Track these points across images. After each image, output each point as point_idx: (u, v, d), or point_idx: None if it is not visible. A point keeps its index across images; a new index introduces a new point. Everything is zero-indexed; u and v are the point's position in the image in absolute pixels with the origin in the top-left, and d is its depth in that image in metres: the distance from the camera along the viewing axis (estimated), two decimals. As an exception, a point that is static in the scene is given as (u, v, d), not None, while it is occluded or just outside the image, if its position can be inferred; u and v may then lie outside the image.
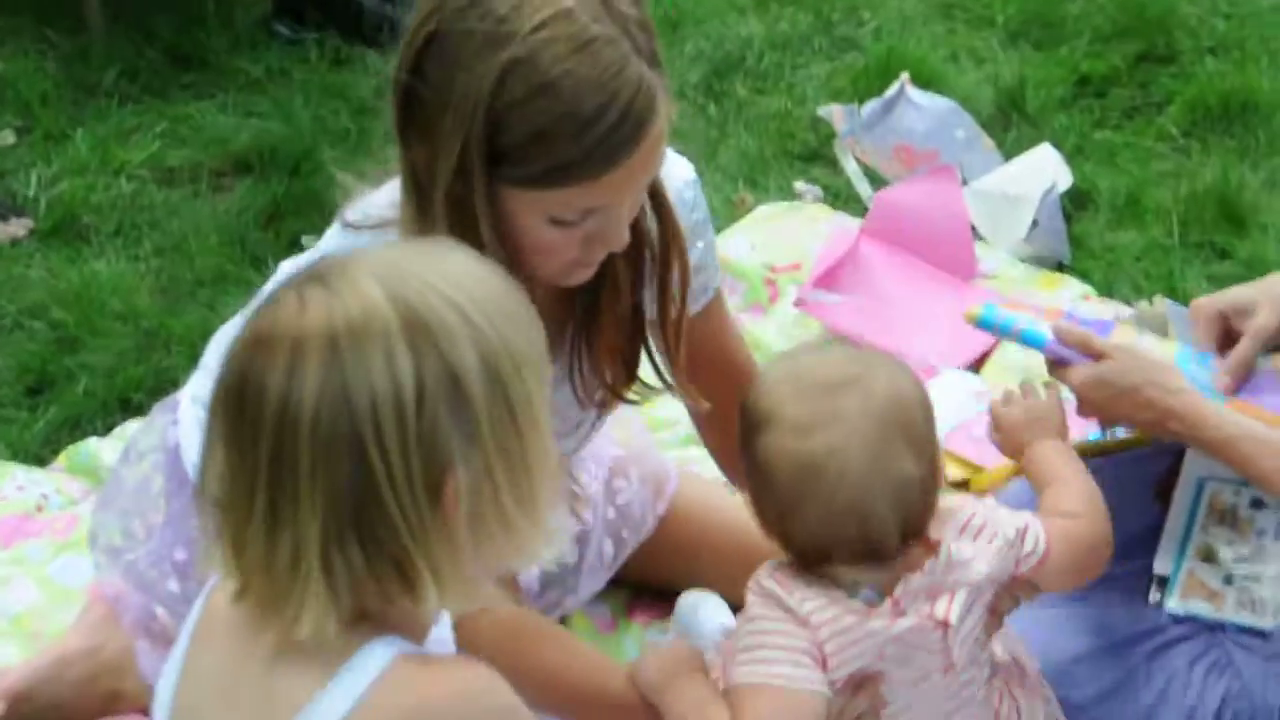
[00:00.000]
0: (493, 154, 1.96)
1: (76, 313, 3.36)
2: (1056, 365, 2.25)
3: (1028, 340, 2.26)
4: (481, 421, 1.48)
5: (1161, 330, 2.38)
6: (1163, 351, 2.26)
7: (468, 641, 1.74)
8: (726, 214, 3.67)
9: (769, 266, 3.44)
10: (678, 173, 2.24)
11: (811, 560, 1.98)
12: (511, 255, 2.00)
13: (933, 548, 1.98)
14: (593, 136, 1.95)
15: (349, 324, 1.45)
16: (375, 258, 1.52)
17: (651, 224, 2.18)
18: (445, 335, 1.47)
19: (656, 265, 2.20)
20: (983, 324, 2.29)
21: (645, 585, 2.64)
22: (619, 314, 2.22)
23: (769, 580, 1.98)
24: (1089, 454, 2.24)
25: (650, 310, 2.24)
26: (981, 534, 2.01)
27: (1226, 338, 2.30)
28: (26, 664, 2.43)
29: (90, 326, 3.34)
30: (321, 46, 4.24)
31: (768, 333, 3.26)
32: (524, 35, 1.92)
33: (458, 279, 1.51)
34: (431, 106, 1.97)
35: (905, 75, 3.68)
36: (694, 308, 2.28)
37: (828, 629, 1.95)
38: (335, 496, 1.46)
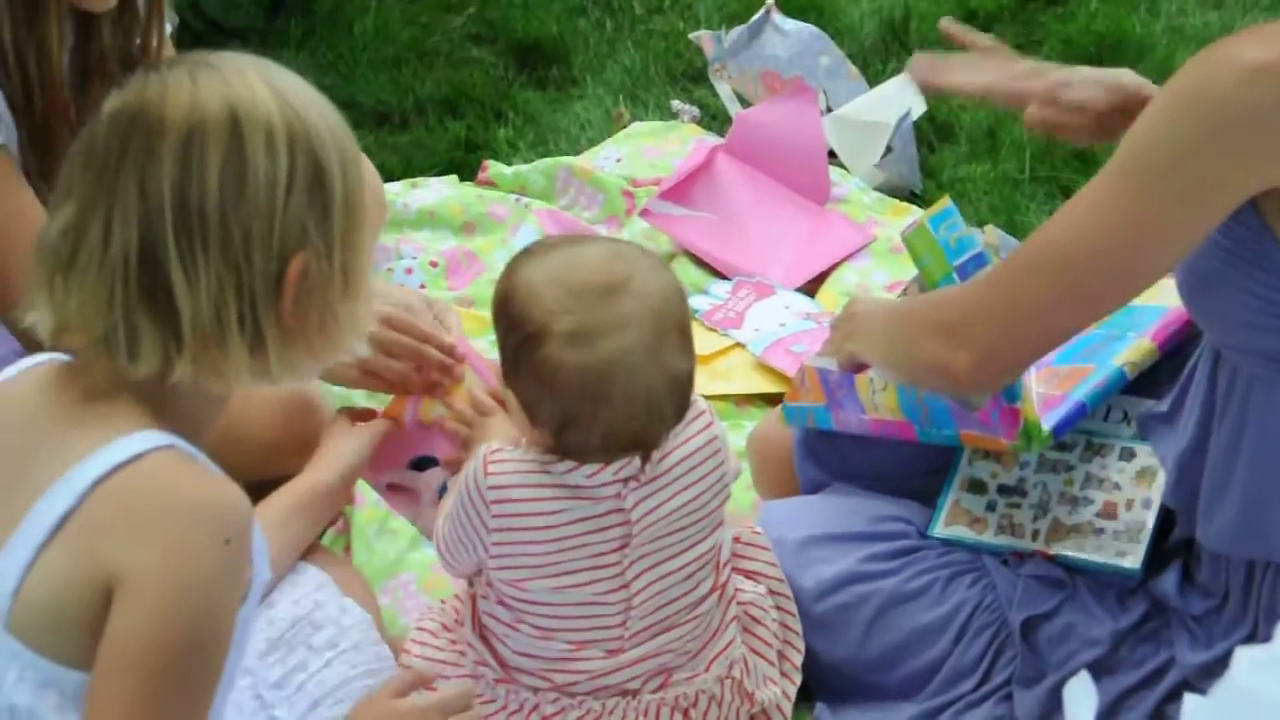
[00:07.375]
0: None
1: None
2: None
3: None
4: (335, 209, 1.64)
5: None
6: None
7: None
8: (605, 128, 3.72)
9: (630, 179, 3.44)
10: None
11: (571, 450, 2.09)
12: None
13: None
14: None
15: (246, 110, 1.60)
16: (245, 58, 1.66)
17: None
18: (315, 133, 1.63)
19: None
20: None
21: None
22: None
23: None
24: None
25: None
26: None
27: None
28: None
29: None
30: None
31: (621, 246, 3.26)
32: None
33: (305, 87, 1.67)
34: None
35: (771, 1, 3.69)
36: None
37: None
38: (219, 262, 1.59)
